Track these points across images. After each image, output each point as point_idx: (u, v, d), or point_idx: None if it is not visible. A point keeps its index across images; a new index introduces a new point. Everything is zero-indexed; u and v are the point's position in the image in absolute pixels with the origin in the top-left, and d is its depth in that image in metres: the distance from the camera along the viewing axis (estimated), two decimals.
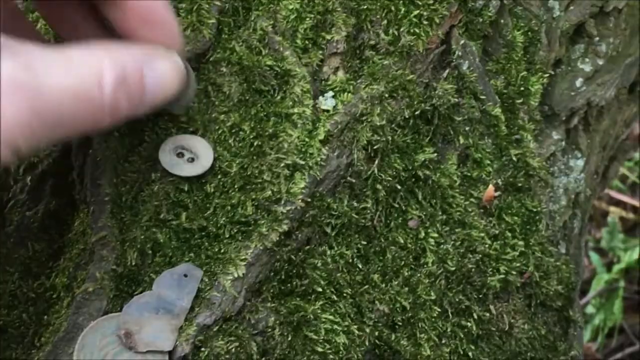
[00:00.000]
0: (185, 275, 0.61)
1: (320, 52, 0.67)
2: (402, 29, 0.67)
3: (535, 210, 0.74)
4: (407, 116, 0.68)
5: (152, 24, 0.54)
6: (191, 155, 0.62)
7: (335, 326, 0.64)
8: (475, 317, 0.70)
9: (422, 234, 0.69)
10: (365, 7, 0.67)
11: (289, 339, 0.63)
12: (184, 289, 0.60)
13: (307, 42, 0.66)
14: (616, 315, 1.97)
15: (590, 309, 2.03)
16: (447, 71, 0.71)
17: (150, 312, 0.59)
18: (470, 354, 0.69)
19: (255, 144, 0.63)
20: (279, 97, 0.65)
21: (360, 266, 0.67)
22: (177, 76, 0.53)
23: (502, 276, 0.71)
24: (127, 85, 0.47)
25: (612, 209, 2.27)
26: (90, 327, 0.57)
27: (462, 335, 0.69)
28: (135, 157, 0.63)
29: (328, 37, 0.67)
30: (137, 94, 0.49)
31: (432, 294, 0.68)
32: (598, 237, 2.19)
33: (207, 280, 0.61)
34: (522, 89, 0.74)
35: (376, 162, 0.67)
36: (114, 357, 0.57)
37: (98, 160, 0.63)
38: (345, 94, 0.66)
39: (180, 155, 0.62)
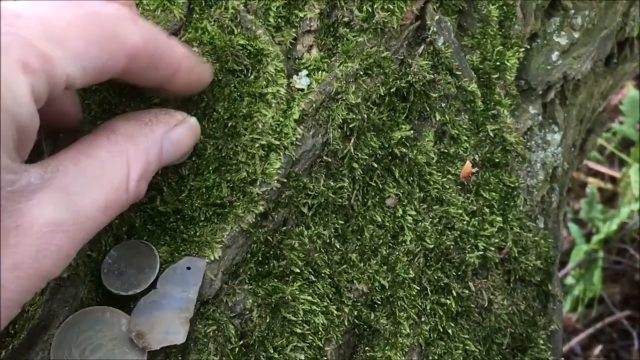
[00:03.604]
0: (188, 268, 0.60)
1: (294, 30, 0.66)
2: (375, 6, 0.67)
3: (512, 185, 0.73)
4: (382, 93, 0.67)
5: (188, 90, 0.60)
6: None
7: (314, 307, 0.64)
8: (455, 294, 0.70)
9: (400, 212, 0.69)
10: None
11: (267, 320, 0.62)
12: (188, 281, 0.60)
13: (279, 20, 0.66)
14: (596, 286, 1.99)
15: (570, 280, 2.04)
16: (422, 47, 0.70)
17: (159, 310, 0.58)
18: (449, 331, 0.69)
19: (229, 124, 0.62)
20: (252, 77, 0.64)
21: (338, 246, 0.66)
22: (192, 138, 0.59)
23: (481, 252, 0.71)
24: (149, 173, 0.53)
25: (591, 179, 2.29)
26: (66, 322, 0.56)
27: (441, 313, 0.69)
28: None
29: (301, 14, 0.66)
30: (156, 169, 0.54)
31: (411, 272, 0.68)
32: (577, 208, 2.20)
33: None
34: (498, 63, 0.74)
35: (352, 140, 0.66)
36: (91, 352, 0.56)
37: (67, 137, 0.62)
38: (320, 72, 0.66)
39: None
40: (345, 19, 0.67)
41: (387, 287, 0.67)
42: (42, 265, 0.45)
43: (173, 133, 0.56)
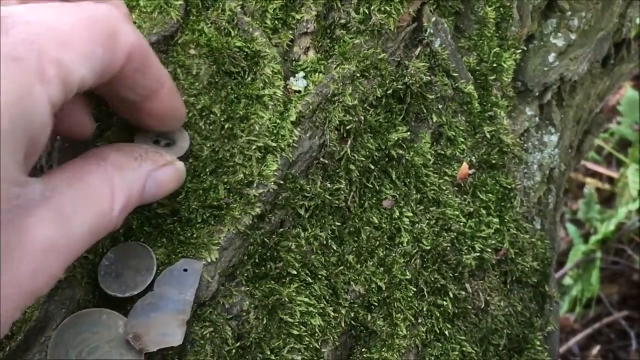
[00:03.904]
0: (185, 270, 0.60)
1: (291, 32, 0.66)
2: (373, 8, 0.67)
3: (509, 187, 0.74)
4: (379, 95, 0.67)
5: (164, 120, 0.58)
6: (167, 141, 0.61)
7: (311, 309, 0.64)
8: (451, 295, 0.70)
9: (397, 214, 0.69)
10: None
11: (264, 322, 0.62)
12: (185, 283, 0.60)
13: (277, 22, 0.66)
14: (594, 286, 1.99)
15: (568, 281, 2.04)
16: (419, 49, 0.70)
17: (156, 312, 0.58)
18: (446, 332, 0.70)
19: (226, 127, 0.62)
20: (249, 79, 0.64)
21: (335, 247, 0.66)
22: (176, 181, 0.58)
23: (478, 254, 0.71)
24: (129, 206, 0.52)
25: (589, 180, 2.29)
26: (64, 324, 0.56)
27: (438, 315, 0.69)
28: (103, 143, 0.62)
29: (298, 17, 0.66)
30: (136, 204, 0.54)
31: (408, 273, 0.68)
32: (575, 209, 2.20)
33: None
34: (494, 65, 0.74)
35: (349, 142, 0.66)
36: (88, 354, 0.56)
37: (66, 147, 0.62)
38: (317, 74, 0.66)
39: (156, 142, 0.61)
40: (343, 21, 0.67)
41: (384, 289, 0.67)
42: (36, 283, 0.45)
43: (159, 173, 0.56)
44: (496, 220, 0.72)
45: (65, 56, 0.44)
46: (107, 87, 0.51)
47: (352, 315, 0.66)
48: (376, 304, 0.67)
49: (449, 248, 0.70)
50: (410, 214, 0.69)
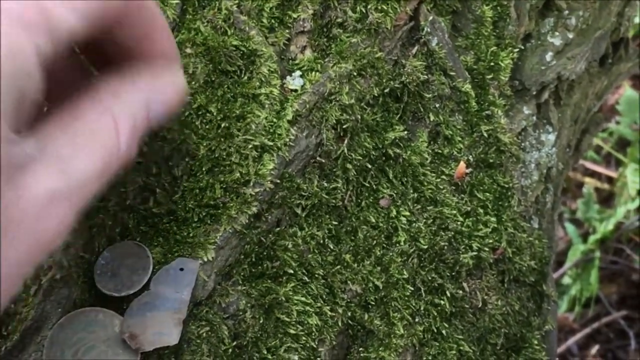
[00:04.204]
0: (182, 269, 0.60)
1: (287, 31, 0.66)
2: (369, 6, 0.67)
3: (507, 186, 0.73)
4: (376, 94, 0.67)
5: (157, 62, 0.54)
6: None
7: (307, 307, 0.64)
8: (449, 294, 0.70)
9: (394, 213, 0.69)
10: None
11: (261, 321, 0.62)
12: (181, 282, 0.60)
13: (273, 21, 0.66)
14: (592, 286, 1.99)
15: (566, 280, 2.04)
16: (416, 48, 0.70)
17: (152, 311, 0.58)
18: (443, 331, 0.69)
19: (222, 125, 0.62)
20: (245, 78, 0.64)
21: (331, 246, 0.66)
22: (178, 92, 0.54)
23: (475, 253, 0.71)
24: (137, 131, 0.49)
25: (587, 179, 2.29)
26: (59, 323, 0.56)
27: (435, 314, 0.69)
28: None
29: (294, 15, 0.66)
30: (143, 130, 0.50)
31: (405, 272, 0.68)
32: (574, 208, 2.20)
33: None
34: (492, 64, 0.74)
35: (346, 141, 0.66)
36: (84, 353, 0.56)
37: None
38: (313, 73, 0.66)
39: None
40: (339, 20, 0.67)
41: (381, 288, 0.67)
42: (43, 236, 0.44)
43: (159, 89, 0.52)
44: (493, 219, 0.72)
45: (49, 3, 0.42)
46: (101, 35, 0.48)
47: (349, 314, 0.66)
48: (373, 303, 0.67)
49: (446, 247, 0.70)
50: (407, 213, 0.69)
